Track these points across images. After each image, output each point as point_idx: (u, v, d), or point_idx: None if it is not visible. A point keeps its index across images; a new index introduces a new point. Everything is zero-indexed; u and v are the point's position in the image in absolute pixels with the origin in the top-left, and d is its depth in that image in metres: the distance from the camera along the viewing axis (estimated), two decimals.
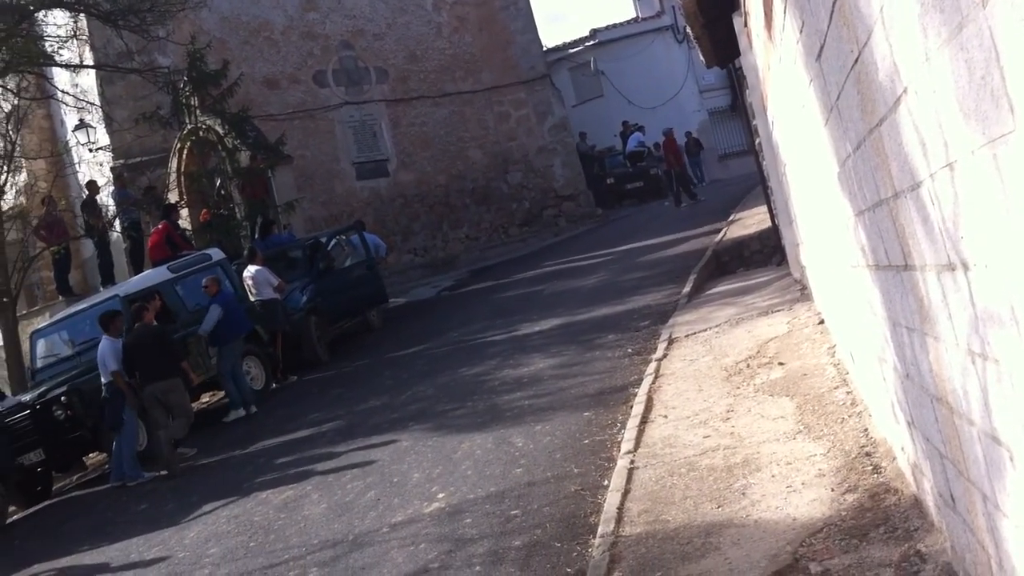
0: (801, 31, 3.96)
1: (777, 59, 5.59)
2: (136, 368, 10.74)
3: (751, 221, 15.66)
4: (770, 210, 12.67)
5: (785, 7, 4.33)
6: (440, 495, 6.80)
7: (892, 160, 2.78)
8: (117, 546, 8.35)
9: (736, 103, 25.29)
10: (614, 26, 32.33)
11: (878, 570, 3.76)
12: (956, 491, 3.05)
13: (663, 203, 24.83)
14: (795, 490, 4.89)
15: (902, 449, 4.27)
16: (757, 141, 11.61)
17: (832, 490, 4.72)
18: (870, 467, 4.83)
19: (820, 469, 5.05)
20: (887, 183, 2.96)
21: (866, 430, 5.33)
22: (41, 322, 15.95)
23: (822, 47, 3.48)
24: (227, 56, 19.44)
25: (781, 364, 7.50)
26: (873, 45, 2.59)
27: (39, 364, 13.05)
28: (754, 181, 16.64)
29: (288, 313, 14.28)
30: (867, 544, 4.03)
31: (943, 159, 2.20)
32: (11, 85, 17.28)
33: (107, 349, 10.80)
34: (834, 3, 2.98)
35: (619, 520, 5.17)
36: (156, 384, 10.61)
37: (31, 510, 11.39)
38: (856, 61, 2.88)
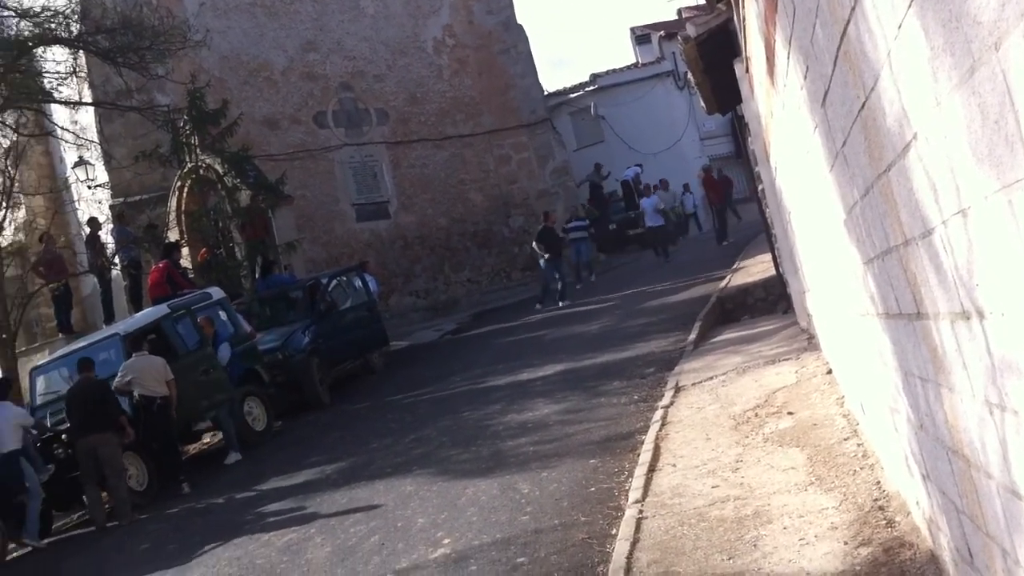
0: (805, 76, 3.94)
1: (780, 105, 5.58)
2: (71, 419, 10.95)
3: (755, 269, 15.59)
4: (774, 258, 12.61)
5: (788, 52, 4.31)
6: (445, 541, 6.69)
7: (902, 207, 2.74)
8: None
9: (738, 150, 25.24)
10: (614, 71, 32.52)
11: None
12: (974, 546, 2.97)
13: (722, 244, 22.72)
14: (808, 543, 4.79)
15: (917, 503, 4.18)
16: (760, 188, 11.59)
17: (845, 543, 4.62)
18: (884, 521, 4.73)
19: (832, 522, 4.96)
20: (897, 230, 2.91)
21: (879, 482, 5.24)
22: (40, 359, 15.87)
23: (827, 92, 3.45)
24: (227, 95, 19.53)
25: (790, 414, 7.41)
26: (881, 90, 2.56)
27: (38, 401, 12.95)
28: (757, 228, 16.61)
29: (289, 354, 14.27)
30: None
31: (956, 205, 2.15)
32: (10, 121, 17.34)
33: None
34: (839, 48, 2.95)
35: (628, 570, 5.07)
36: (89, 437, 10.67)
37: (30, 548, 11.17)
38: (863, 106, 2.85)
